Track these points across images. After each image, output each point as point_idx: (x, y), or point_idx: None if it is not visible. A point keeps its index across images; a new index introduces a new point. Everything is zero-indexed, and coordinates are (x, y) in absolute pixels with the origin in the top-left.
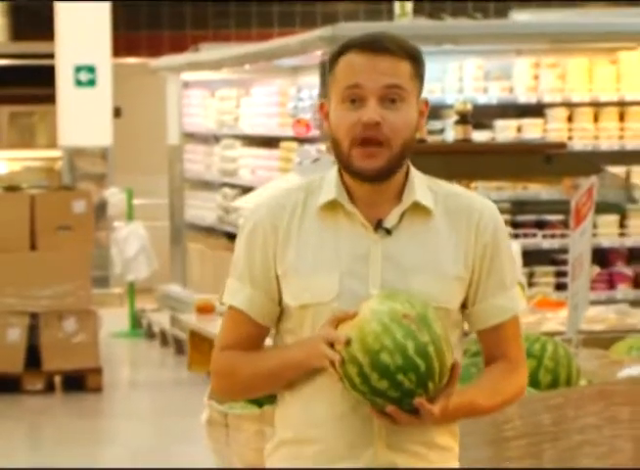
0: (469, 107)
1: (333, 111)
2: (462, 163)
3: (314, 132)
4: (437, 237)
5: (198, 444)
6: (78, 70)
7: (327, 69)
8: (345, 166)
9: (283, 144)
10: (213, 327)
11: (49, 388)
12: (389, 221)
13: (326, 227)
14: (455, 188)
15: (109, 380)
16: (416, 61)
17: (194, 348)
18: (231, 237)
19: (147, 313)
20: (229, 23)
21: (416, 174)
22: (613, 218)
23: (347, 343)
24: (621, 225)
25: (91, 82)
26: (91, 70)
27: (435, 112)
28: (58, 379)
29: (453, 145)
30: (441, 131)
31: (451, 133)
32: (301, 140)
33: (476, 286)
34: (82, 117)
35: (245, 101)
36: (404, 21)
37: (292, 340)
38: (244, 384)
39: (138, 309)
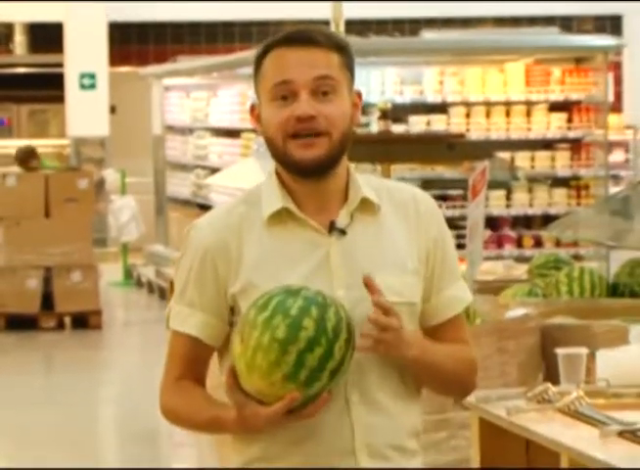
0: (389, 106)
1: (263, 111)
2: (383, 150)
3: None
4: (390, 232)
5: None
6: (82, 76)
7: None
8: (284, 162)
9: (243, 135)
10: None
11: (60, 326)
12: (342, 221)
13: (277, 237)
14: (391, 182)
15: (107, 319)
16: (344, 52)
17: (173, 293)
18: (202, 207)
19: (137, 267)
20: (200, 40)
21: (354, 172)
22: (500, 193)
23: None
24: (507, 198)
25: (92, 86)
26: (92, 76)
27: (362, 109)
28: (67, 319)
29: (377, 136)
30: (367, 125)
31: (375, 126)
32: (257, 131)
33: (430, 279)
34: (85, 113)
35: (213, 101)
36: None
37: None
38: (186, 428)
39: (130, 264)
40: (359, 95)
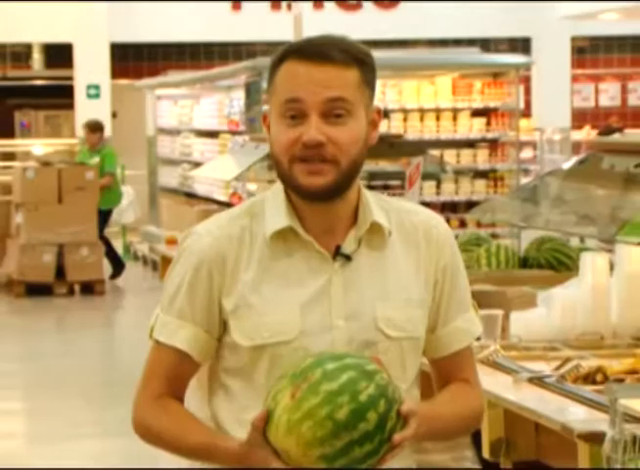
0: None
1: (272, 125)
2: None
3: (241, 128)
4: (397, 259)
5: None
6: (89, 87)
7: (251, 88)
8: (288, 185)
9: (221, 135)
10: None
11: (70, 292)
12: (348, 246)
13: (279, 257)
14: (404, 204)
15: (109, 287)
16: (364, 66)
17: (164, 266)
18: (187, 195)
19: (134, 244)
20: (186, 58)
21: (366, 192)
22: (432, 183)
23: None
24: (437, 188)
25: (97, 95)
26: (97, 87)
27: None
28: (76, 286)
29: None
30: None
31: None
32: (233, 133)
33: (436, 310)
34: (91, 117)
35: (196, 108)
36: None
37: (239, 384)
38: (166, 450)
39: (128, 242)
40: (379, 112)
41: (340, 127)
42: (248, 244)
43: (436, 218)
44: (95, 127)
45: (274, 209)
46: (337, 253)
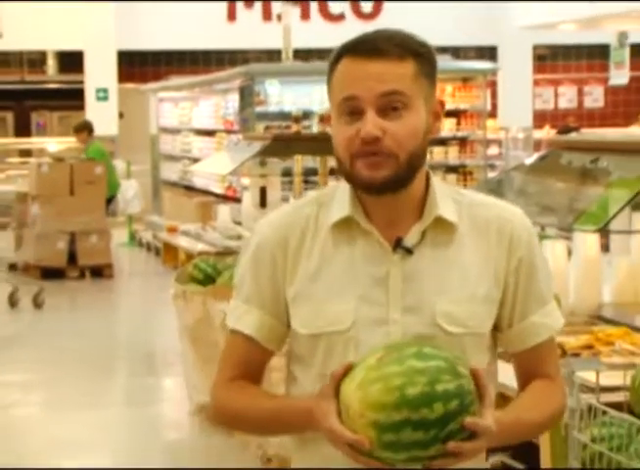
0: (326, 112)
1: (333, 125)
2: (321, 146)
3: (236, 127)
4: (463, 254)
5: (169, 307)
6: (98, 90)
7: (244, 91)
8: (350, 181)
9: (217, 134)
10: (176, 241)
11: (81, 276)
12: (410, 239)
13: (340, 246)
14: (481, 197)
15: (117, 271)
16: (422, 58)
17: (166, 252)
18: (187, 188)
19: (139, 232)
20: (186, 64)
21: (438, 185)
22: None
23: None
24: None
25: (105, 98)
26: (105, 90)
27: (307, 115)
28: (87, 271)
29: (316, 135)
30: (309, 127)
31: (315, 128)
32: (228, 132)
33: (511, 305)
34: (100, 118)
35: (195, 109)
36: (287, 63)
37: (301, 371)
38: (244, 428)
39: (134, 230)
40: (442, 103)
41: (397, 121)
42: (312, 232)
43: (512, 212)
44: (78, 128)
45: (341, 198)
46: (397, 244)
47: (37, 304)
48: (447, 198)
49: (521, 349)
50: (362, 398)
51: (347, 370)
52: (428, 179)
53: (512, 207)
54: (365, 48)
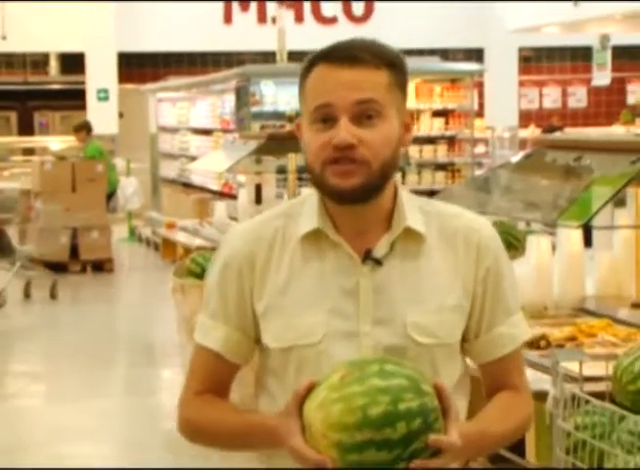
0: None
1: (304, 132)
2: (292, 144)
3: (232, 126)
4: (432, 264)
5: (167, 300)
6: (99, 91)
7: (240, 92)
8: (320, 188)
9: (214, 133)
10: (175, 236)
11: (83, 270)
12: (379, 251)
13: (309, 259)
14: (449, 207)
15: (117, 265)
16: (396, 69)
17: (164, 247)
18: (185, 185)
19: (138, 228)
20: (183, 65)
21: (405, 196)
22: (397, 175)
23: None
24: (402, 179)
25: (106, 98)
26: (106, 91)
27: (281, 116)
28: (88, 265)
29: (287, 134)
30: (282, 126)
31: (287, 127)
32: (225, 131)
33: (479, 315)
34: (101, 117)
35: (192, 109)
36: (282, 64)
37: (274, 384)
38: (209, 443)
39: (133, 226)
40: (411, 116)
41: (370, 129)
42: (279, 245)
43: (479, 222)
44: (77, 128)
45: (309, 211)
46: (367, 256)
47: (53, 295)
48: (415, 208)
49: (487, 360)
50: (324, 418)
51: (310, 388)
52: (395, 190)
53: (479, 217)
54: (340, 55)
